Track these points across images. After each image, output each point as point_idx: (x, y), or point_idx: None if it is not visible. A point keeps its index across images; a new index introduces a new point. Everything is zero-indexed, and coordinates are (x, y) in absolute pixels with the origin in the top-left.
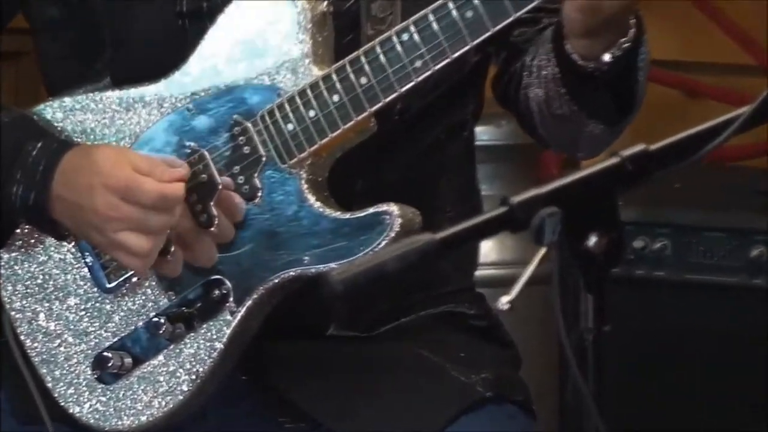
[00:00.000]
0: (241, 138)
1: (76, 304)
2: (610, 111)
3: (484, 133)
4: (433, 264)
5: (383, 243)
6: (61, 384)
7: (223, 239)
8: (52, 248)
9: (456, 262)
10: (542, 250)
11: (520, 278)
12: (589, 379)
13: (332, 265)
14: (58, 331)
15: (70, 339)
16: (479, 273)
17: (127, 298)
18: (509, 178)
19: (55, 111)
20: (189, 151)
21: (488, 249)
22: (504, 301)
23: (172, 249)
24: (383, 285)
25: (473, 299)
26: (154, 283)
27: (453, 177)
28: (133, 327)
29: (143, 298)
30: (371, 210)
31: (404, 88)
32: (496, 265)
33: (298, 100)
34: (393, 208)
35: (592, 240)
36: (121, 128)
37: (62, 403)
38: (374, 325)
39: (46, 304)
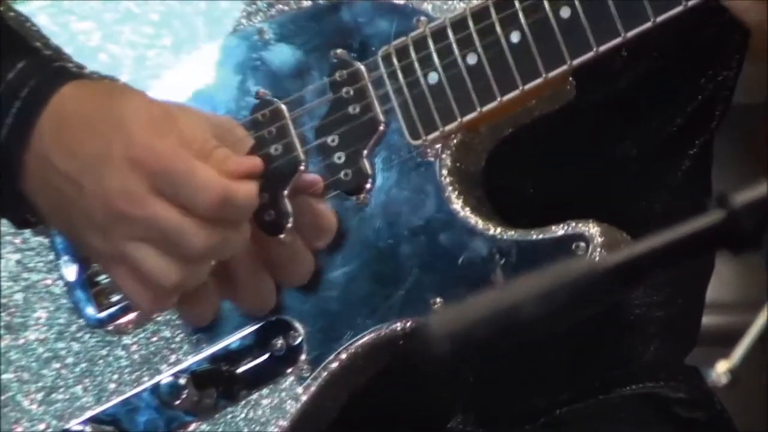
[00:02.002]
0: (346, 89)
1: (39, 341)
2: None
3: None
4: (603, 309)
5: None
6: None
7: (297, 259)
8: (8, 248)
9: (664, 312)
10: None
11: (748, 332)
12: None
13: None
14: (11, 385)
15: (25, 402)
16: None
17: (127, 340)
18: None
19: (35, 12)
20: (256, 101)
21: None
22: (722, 371)
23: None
24: (522, 345)
25: (679, 373)
26: (172, 318)
27: (681, 198)
28: (133, 388)
29: (155, 342)
30: (557, 230)
31: (631, 33)
32: (705, 309)
33: (451, 34)
34: (593, 228)
35: None
36: (144, 53)
37: None
38: (522, 416)
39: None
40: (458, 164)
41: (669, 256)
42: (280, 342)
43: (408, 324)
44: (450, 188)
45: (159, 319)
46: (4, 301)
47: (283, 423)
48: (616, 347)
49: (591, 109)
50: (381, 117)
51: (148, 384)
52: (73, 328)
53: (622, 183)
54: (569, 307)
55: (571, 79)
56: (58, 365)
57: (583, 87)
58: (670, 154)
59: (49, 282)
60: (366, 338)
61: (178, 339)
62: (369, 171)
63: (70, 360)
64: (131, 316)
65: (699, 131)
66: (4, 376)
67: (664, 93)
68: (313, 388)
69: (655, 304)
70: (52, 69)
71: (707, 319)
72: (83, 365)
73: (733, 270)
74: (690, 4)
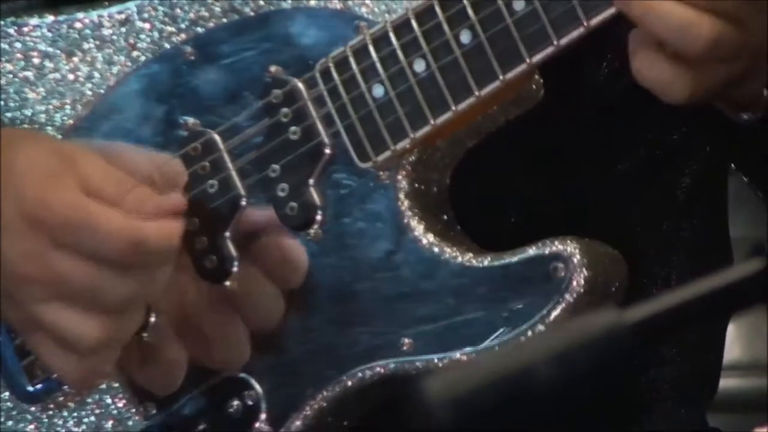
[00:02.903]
0: (284, 111)
1: None
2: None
3: None
4: (622, 370)
5: (555, 314)
6: None
7: (248, 308)
8: None
9: (676, 367)
10: None
11: None
12: None
13: (457, 355)
14: None
15: None
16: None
17: (64, 414)
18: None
19: None
20: (185, 133)
21: (729, 342)
22: None
23: (145, 335)
24: (531, 410)
25: None
26: (116, 386)
27: (688, 214)
28: None
29: (96, 413)
30: (531, 251)
31: (594, 21)
32: (742, 371)
33: (394, 39)
34: (571, 245)
35: None
36: (57, 87)
37: None
38: None
39: None
40: (417, 185)
41: (703, 310)
42: (236, 403)
43: (377, 371)
44: (409, 213)
45: (102, 387)
46: None
47: None
48: (626, 409)
49: (570, 117)
50: (326, 140)
51: None
52: (5, 404)
53: (615, 203)
54: (590, 368)
55: (537, 77)
56: None
57: (559, 90)
58: (668, 169)
59: None
60: (332, 391)
61: (122, 406)
62: (318, 202)
63: None
64: (69, 389)
65: (703, 140)
66: None
67: (658, 100)
68: None
69: (668, 360)
70: None
71: (743, 382)
72: None
73: None
74: None
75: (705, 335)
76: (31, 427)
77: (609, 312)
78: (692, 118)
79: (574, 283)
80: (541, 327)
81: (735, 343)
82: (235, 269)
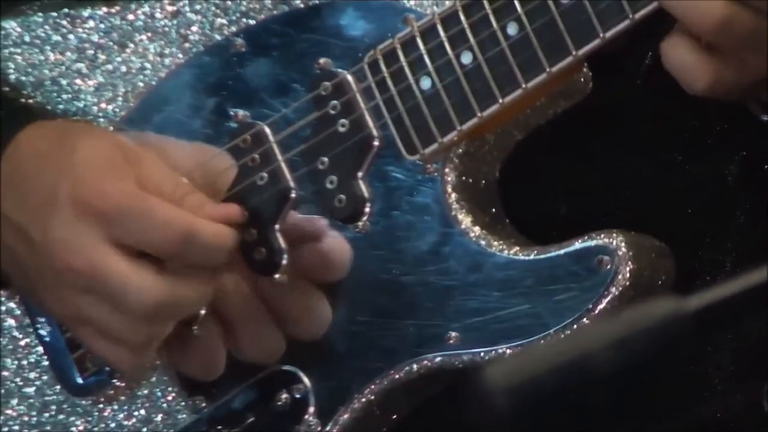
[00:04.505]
0: (333, 103)
1: (20, 413)
2: None
3: None
4: (681, 357)
5: (600, 307)
6: None
7: (297, 301)
8: None
9: (732, 353)
10: None
11: None
12: None
13: (502, 349)
14: None
15: None
16: None
17: (115, 407)
18: None
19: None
20: (235, 125)
21: None
22: None
23: (195, 328)
24: (589, 397)
25: (758, 423)
26: (165, 380)
27: (736, 203)
28: None
29: (146, 407)
30: (577, 244)
31: (639, 14)
32: None
33: (441, 31)
34: (617, 238)
35: None
36: (109, 78)
37: None
38: None
39: None
40: (464, 178)
41: (759, 298)
42: (284, 396)
43: (424, 364)
44: (457, 206)
45: (152, 380)
46: None
47: None
48: (683, 394)
49: (617, 108)
50: (374, 132)
51: None
52: (57, 397)
53: (663, 195)
54: (650, 355)
55: (585, 70)
56: None
57: (606, 82)
58: (714, 158)
59: (26, 341)
60: (379, 384)
61: (172, 399)
62: (366, 195)
63: None
64: (120, 382)
65: (748, 130)
66: None
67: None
68: None
69: (723, 346)
70: (10, 111)
71: None
72: None
73: None
74: None
75: (758, 321)
76: (82, 420)
77: (670, 299)
78: (734, 107)
79: (620, 276)
80: (586, 320)
81: None
82: (284, 262)
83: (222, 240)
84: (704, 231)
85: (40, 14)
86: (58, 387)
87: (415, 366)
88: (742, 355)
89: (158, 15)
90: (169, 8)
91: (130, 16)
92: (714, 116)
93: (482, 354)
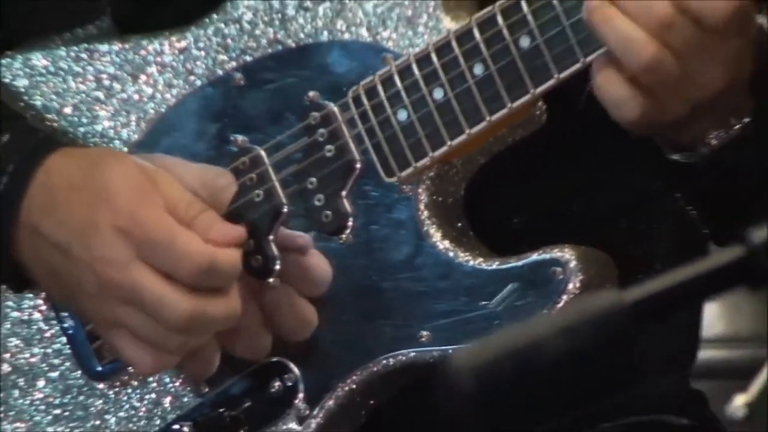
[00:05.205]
0: (321, 131)
1: (45, 395)
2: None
3: None
4: (621, 343)
5: (553, 311)
6: None
7: (288, 302)
8: (9, 303)
9: (663, 342)
10: None
11: (766, 366)
12: None
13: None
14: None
15: None
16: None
17: (128, 390)
18: None
19: (17, 74)
20: (235, 149)
21: (713, 317)
22: (739, 404)
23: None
24: (542, 379)
25: (686, 401)
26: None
27: (667, 210)
28: None
29: (156, 390)
30: (533, 256)
31: (590, 57)
32: (724, 343)
33: (416, 70)
34: (568, 253)
35: None
36: (123, 106)
37: None
38: None
39: (0, 394)
40: (435, 197)
41: (691, 291)
42: (277, 384)
43: (399, 359)
44: (428, 222)
45: None
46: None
47: None
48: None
49: (563, 133)
50: (357, 157)
51: None
52: (78, 381)
53: (605, 205)
54: (594, 342)
55: (540, 104)
56: (63, 418)
57: (553, 111)
58: (647, 171)
59: (52, 334)
60: (360, 375)
61: (179, 385)
62: (349, 211)
63: (78, 413)
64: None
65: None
66: (3, 427)
67: None
68: (312, 427)
69: (655, 334)
70: (37, 141)
71: (724, 354)
72: (89, 417)
73: (752, 304)
74: None
75: (685, 312)
76: (100, 401)
77: (611, 292)
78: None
79: (570, 285)
80: (530, 321)
81: (718, 320)
82: (278, 267)
83: (235, 264)
84: (637, 237)
85: (63, 48)
86: (79, 372)
87: (391, 360)
88: (670, 341)
89: (167, 51)
90: (177, 45)
91: (142, 51)
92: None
93: (450, 351)
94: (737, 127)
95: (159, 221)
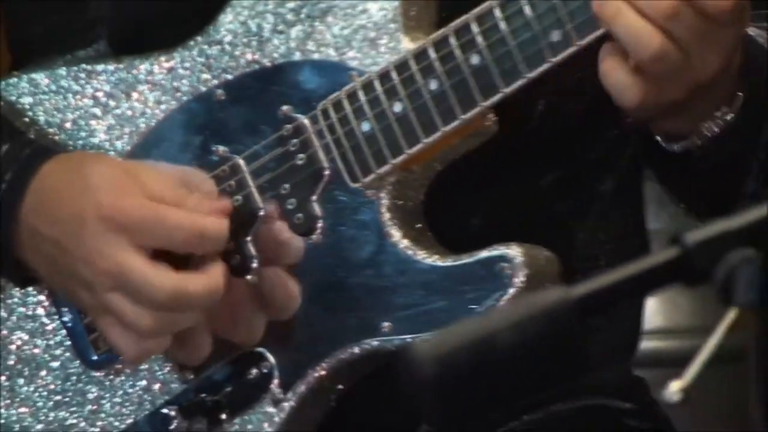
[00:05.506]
0: (293, 141)
1: (47, 383)
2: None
3: None
4: (567, 336)
5: (500, 304)
6: None
7: (269, 295)
8: (16, 298)
9: (608, 334)
10: (732, 314)
11: (699, 354)
12: None
13: (425, 336)
14: (23, 422)
15: None
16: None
17: (122, 378)
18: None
19: (22, 92)
20: (216, 158)
21: (652, 311)
22: (675, 389)
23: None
24: (495, 367)
25: (629, 387)
26: (162, 357)
27: (611, 214)
28: (130, 420)
29: (147, 378)
30: (483, 253)
31: (533, 73)
32: (662, 335)
33: (378, 86)
34: (515, 250)
35: None
36: (117, 120)
37: None
38: (483, 426)
39: (6, 382)
40: (396, 201)
41: (632, 287)
42: (254, 371)
43: (364, 347)
44: (390, 223)
45: (151, 357)
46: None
47: None
48: (567, 368)
49: (516, 144)
50: (325, 165)
51: (142, 416)
52: (76, 369)
53: (553, 208)
54: (542, 335)
55: (491, 115)
56: (64, 404)
57: (507, 124)
58: (593, 179)
59: (52, 327)
60: (328, 362)
61: (167, 373)
62: (319, 213)
63: (76, 399)
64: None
65: (620, 155)
66: (9, 412)
67: (585, 128)
68: (286, 410)
69: (599, 327)
70: (33, 150)
71: (663, 344)
72: (86, 402)
73: (688, 299)
74: (581, 43)
75: (627, 307)
76: (96, 388)
77: (558, 289)
78: (611, 140)
79: (516, 279)
80: (485, 313)
81: (657, 313)
82: (255, 266)
83: (224, 230)
84: (581, 241)
85: (64, 68)
86: (78, 362)
87: (357, 349)
88: (614, 333)
89: (156, 70)
90: (165, 65)
91: (134, 71)
92: (591, 146)
93: (409, 340)
94: (729, 117)
95: (141, 205)
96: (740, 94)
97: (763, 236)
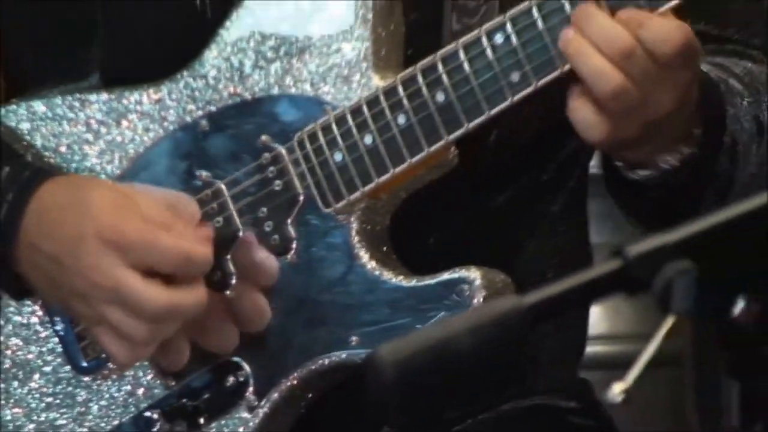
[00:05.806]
0: (271, 169)
1: (40, 386)
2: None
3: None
4: (519, 341)
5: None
6: None
7: (243, 309)
8: (12, 308)
9: (556, 339)
10: (670, 321)
11: (640, 358)
12: None
13: None
14: (16, 423)
15: None
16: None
17: (109, 383)
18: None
19: (21, 118)
20: (200, 183)
21: (596, 318)
22: (617, 391)
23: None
24: (453, 370)
25: (574, 388)
26: (146, 364)
27: (558, 231)
28: (115, 422)
29: (131, 383)
30: (445, 275)
31: (494, 111)
32: (606, 340)
33: (350, 119)
34: (474, 273)
35: (739, 307)
36: (108, 146)
37: None
38: (440, 426)
39: (2, 385)
40: (365, 225)
41: (577, 296)
42: (231, 379)
43: (333, 359)
44: (359, 246)
45: (136, 364)
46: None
47: None
48: (519, 371)
49: (471, 171)
50: (300, 191)
51: (127, 418)
52: (67, 374)
53: (504, 227)
54: (496, 340)
55: (453, 149)
56: (54, 406)
57: (463, 153)
58: (543, 200)
59: (45, 335)
60: (300, 372)
61: (151, 379)
62: (294, 235)
63: (66, 401)
64: (112, 365)
65: (568, 177)
66: (4, 412)
67: (534, 155)
68: (260, 416)
69: (547, 333)
70: (32, 172)
71: (606, 349)
72: (75, 405)
73: (629, 307)
74: (540, 84)
75: (574, 314)
76: (84, 392)
77: (511, 297)
78: (559, 164)
79: (475, 300)
80: (444, 320)
81: (601, 320)
82: (233, 282)
83: (208, 256)
84: (530, 255)
85: (60, 97)
86: (68, 367)
87: (326, 360)
88: (561, 339)
89: (145, 101)
90: (153, 96)
91: (125, 101)
92: (541, 170)
93: None
94: (686, 152)
95: (139, 228)
96: (697, 131)
97: (698, 248)
